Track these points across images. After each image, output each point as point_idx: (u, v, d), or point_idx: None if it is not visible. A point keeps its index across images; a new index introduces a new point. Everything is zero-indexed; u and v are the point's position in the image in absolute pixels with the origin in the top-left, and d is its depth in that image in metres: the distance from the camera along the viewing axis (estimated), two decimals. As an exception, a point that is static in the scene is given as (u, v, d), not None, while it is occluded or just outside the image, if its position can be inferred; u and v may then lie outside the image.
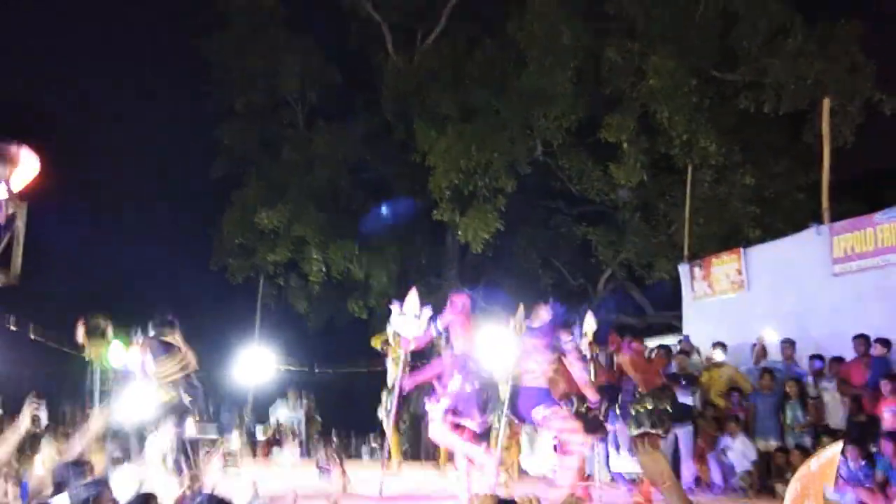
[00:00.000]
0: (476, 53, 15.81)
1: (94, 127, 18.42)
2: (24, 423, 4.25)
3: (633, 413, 6.35)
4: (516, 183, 14.14)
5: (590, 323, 6.99)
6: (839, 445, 2.53)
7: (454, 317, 5.72)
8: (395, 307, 6.59)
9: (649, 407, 6.30)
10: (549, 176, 15.78)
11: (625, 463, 6.63)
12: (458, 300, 5.89)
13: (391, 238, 16.28)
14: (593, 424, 6.24)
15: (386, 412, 7.88)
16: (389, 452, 8.35)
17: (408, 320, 6.35)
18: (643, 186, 14.06)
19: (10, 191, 3.62)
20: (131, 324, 7.02)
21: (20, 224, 3.44)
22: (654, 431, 6.31)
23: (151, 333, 6.78)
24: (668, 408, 6.43)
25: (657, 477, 1.89)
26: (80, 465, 3.76)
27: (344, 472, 3.61)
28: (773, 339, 9.14)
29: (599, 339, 6.72)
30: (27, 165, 4.17)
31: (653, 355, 8.13)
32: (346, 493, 3.34)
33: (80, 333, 7.20)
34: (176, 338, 6.86)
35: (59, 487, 3.62)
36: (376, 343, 8.35)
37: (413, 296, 6.49)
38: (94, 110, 18.48)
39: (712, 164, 12.95)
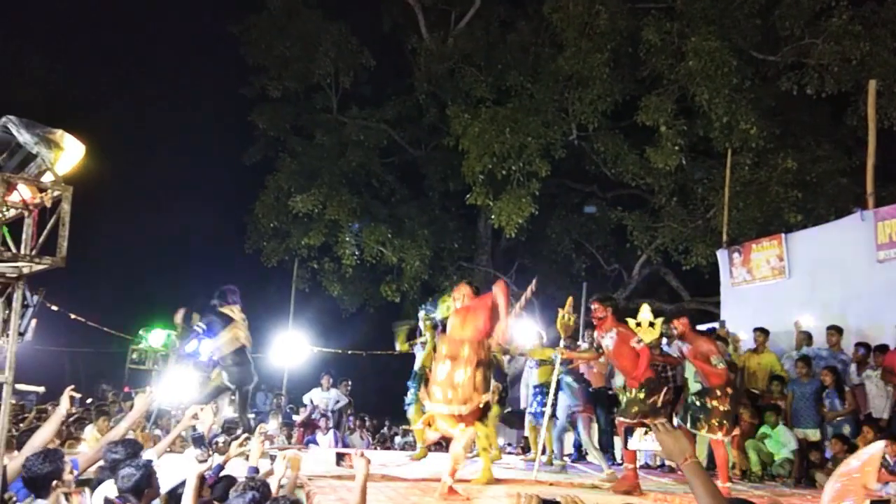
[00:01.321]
0: (510, 36, 15.68)
1: (134, 113, 18.70)
2: (63, 405, 4.31)
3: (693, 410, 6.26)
4: (550, 167, 14.01)
5: (645, 314, 6.75)
6: (881, 444, 2.44)
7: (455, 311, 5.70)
8: None
9: (723, 408, 6.15)
10: (583, 160, 15.62)
11: (643, 442, 6.50)
12: (457, 292, 5.87)
13: (423, 222, 16.27)
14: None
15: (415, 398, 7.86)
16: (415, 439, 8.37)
17: None
18: (680, 170, 13.85)
19: (55, 175, 3.67)
20: (168, 305, 7.16)
21: (66, 207, 3.48)
22: (715, 436, 6.18)
23: (212, 304, 6.98)
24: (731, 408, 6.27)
25: (677, 455, 1.86)
26: (132, 446, 3.81)
27: (362, 452, 3.58)
28: (809, 326, 8.97)
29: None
30: (72, 150, 4.23)
31: None
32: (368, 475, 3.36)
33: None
34: (234, 310, 6.97)
35: (112, 465, 3.66)
36: (403, 348, 8.23)
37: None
38: (134, 96, 18.75)
39: (752, 147, 12.70)
